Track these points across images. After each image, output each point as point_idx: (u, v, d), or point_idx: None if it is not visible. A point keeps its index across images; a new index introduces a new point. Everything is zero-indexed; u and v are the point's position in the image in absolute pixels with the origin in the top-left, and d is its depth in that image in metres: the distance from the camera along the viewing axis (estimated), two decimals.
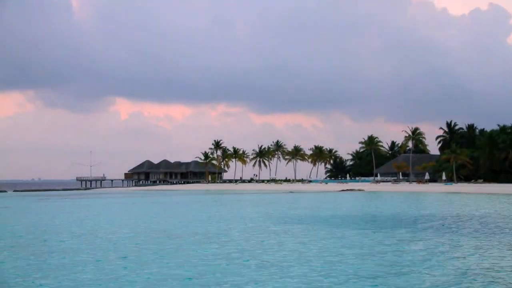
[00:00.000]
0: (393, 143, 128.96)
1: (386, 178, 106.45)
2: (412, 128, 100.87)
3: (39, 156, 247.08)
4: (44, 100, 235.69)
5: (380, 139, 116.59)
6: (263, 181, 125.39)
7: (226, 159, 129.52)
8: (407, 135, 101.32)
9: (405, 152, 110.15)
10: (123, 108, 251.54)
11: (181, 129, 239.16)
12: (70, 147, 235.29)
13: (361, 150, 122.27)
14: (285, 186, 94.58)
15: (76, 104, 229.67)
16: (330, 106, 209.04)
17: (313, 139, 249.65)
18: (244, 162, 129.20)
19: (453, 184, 79.14)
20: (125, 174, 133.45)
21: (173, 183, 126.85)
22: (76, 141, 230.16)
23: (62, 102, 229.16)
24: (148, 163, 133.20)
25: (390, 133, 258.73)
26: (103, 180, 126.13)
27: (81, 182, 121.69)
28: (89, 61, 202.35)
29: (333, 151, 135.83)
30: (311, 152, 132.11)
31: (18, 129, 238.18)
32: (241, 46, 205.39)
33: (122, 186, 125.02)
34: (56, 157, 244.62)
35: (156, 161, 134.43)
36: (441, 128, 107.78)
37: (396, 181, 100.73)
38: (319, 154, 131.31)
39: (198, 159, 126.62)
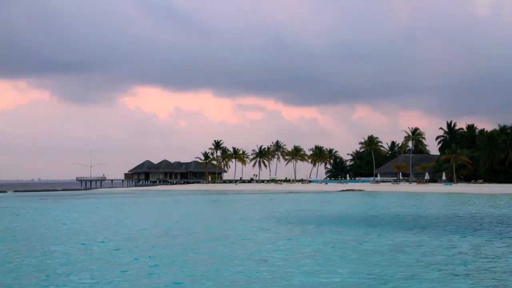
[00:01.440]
0: (393, 143, 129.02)
1: (386, 178, 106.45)
2: (412, 128, 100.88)
3: (39, 155, 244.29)
4: (44, 89, 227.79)
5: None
6: (263, 181, 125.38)
7: (226, 159, 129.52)
8: (406, 135, 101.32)
9: (405, 152, 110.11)
10: (134, 99, 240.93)
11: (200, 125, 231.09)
12: (71, 145, 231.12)
13: (361, 150, 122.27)
14: (285, 186, 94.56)
15: (82, 95, 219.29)
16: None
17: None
18: (244, 162, 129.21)
19: (453, 185, 79.09)
20: (125, 174, 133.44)
21: (173, 183, 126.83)
22: (77, 138, 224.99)
23: (63, 92, 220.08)
24: (148, 163, 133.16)
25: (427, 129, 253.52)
26: (103, 180, 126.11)
27: (81, 182, 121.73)
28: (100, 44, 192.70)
29: (333, 151, 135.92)
30: (311, 152, 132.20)
31: (16, 122, 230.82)
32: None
33: (122, 186, 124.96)
34: (56, 156, 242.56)
35: (156, 161, 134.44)
36: (441, 128, 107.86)
37: (396, 181, 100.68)
38: (319, 154, 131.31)
39: (198, 159, 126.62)
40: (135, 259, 15.09)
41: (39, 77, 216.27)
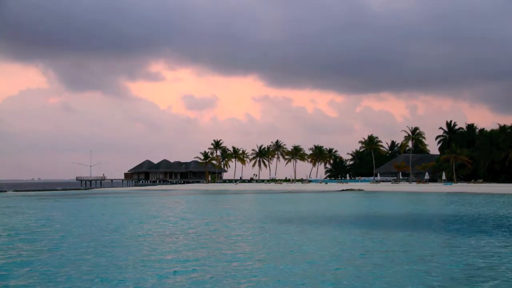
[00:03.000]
0: (393, 143, 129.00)
1: (386, 178, 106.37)
2: (412, 127, 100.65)
3: (39, 155, 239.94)
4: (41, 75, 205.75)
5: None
6: (263, 181, 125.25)
7: (226, 159, 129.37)
8: (406, 135, 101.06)
9: (405, 152, 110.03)
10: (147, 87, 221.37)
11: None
12: (70, 143, 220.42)
13: (361, 150, 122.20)
14: (285, 186, 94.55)
15: (84, 81, 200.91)
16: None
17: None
18: (243, 162, 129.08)
19: (453, 184, 79.07)
20: (125, 174, 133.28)
21: (173, 183, 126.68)
22: (77, 136, 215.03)
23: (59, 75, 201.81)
24: (148, 163, 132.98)
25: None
26: (103, 180, 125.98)
27: (81, 182, 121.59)
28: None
29: (333, 151, 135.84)
30: (310, 152, 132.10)
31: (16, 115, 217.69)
32: None
33: (122, 186, 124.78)
34: (56, 156, 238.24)
35: (156, 160, 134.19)
36: (441, 128, 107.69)
37: (396, 181, 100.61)
38: (318, 154, 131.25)
39: (198, 159, 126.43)
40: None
41: (32, 59, 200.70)
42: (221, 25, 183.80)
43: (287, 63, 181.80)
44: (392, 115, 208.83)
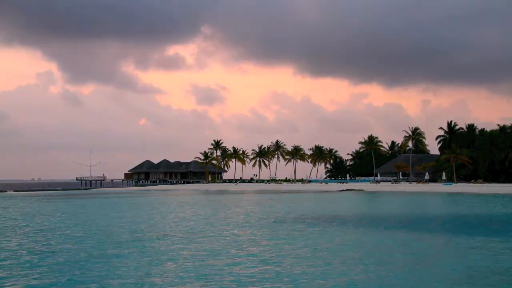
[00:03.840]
0: (393, 143, 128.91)
1: (386, 178, 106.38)
2: (412, 128, 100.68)
3: (39, 154, 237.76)
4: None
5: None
6: (263, 181, 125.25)
7: (226, 159, 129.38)
8: (407, 135, 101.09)
9: (405, 152, 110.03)
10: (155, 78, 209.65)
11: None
12: (70, 143, 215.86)
13: (361, 150, 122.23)
14: (285, 186, 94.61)
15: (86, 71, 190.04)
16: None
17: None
18: (243, 162, 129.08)
19: (453, 184, 79.11)
20: (125, 174, 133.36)
21: (173, 183, 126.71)
22: (77, 135, 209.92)
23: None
24: (148, 163, 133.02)
25: None
26: (103, 180, 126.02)
27: (81, 182, 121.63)
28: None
29: (333, 151, 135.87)
30: (311, 152, 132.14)
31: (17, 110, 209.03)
32: None
33: (122, 186, 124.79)
34: (56, 156, 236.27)
35: (156, 160, 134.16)
36: (441, 128, 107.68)
37: (396, 181, 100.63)
38: (319, 154, 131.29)
39: (198, 159, 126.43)
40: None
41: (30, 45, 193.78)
42: (255, 8, 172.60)
43: (326, 51, 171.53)
44: (411, 109, 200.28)
